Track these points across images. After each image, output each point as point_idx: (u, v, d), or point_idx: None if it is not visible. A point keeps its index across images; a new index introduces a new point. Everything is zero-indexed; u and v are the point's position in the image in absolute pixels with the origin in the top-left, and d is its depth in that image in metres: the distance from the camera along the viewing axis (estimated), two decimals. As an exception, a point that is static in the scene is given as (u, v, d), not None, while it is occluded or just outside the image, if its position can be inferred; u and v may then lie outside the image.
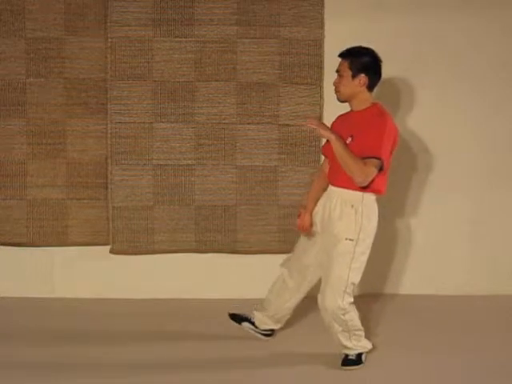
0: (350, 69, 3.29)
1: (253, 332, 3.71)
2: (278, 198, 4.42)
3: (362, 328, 3.39)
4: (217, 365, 3.42)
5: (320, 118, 4.32)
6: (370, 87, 3.34)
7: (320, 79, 4.41)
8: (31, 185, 4.44)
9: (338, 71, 3.36)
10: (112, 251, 4.48)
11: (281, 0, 4.36)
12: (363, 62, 3.30)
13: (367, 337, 3.50)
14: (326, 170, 3.51)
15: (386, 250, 4.64)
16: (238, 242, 4.46)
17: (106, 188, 4.45)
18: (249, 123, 4.41)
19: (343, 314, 3.27)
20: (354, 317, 3.32)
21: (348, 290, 3.26)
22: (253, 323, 3.71)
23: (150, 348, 3.62)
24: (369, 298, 4.50)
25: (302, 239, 3.57)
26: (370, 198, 3.29)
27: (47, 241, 4.48)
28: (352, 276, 3.26)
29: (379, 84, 4.47)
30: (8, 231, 4.45)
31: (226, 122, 4.42)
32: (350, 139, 3.26)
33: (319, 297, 3.34)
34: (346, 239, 3.24)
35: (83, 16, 4.38)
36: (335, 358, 3.40)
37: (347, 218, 3.26)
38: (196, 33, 4.38)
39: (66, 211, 4.46)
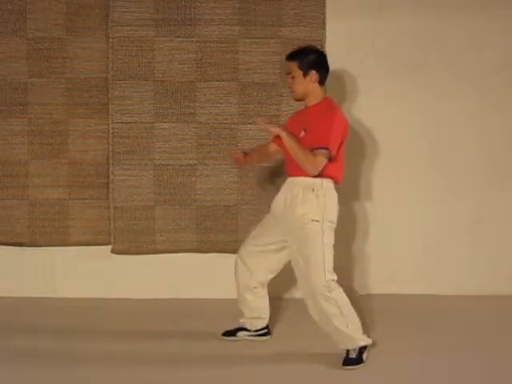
0: (300, 68, 3.44)
1: (250, 338, 3.74)
2: (279, 198, 4.41)
3: (358, 319, 3.41)
4: (217, 364, 3.42)
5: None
6: (321, 82, 3.48)
7: (321, 79, 4.42)
8: (32, 185, 4.44)
9: (289, 73, 3.50)
10: (113, 251, 4.48)
11: (282, 0, 4.37)
12: (311, 60, 3.45)
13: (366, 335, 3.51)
14: (268, 148, 3.71)
15: (386, 250, 4.66)
16: (239, 242, 4.41)
17: (108, 188, 4.45)
18: (250, 123, 4.41)
19: (329, 291, 3.32)
20: (342, 296, 3.36)
21: (327, 267, 3.34)
22: (246, 329, 3.75)
23: (150, 348, 3.62)
24: (368, 298, 4.51)
25: (260, 227, 3.66)
26: (328, 184, 3.43)
27: (48, 241, 4.48)
28: (326, 254, 3.36)
29: (383, 84, 4.52)
30: (9, 231, 4.46)
31: (228, 121, 4.43)
32: (303, 133, 3.43)
33: (301, 282, 3.43)
34: (313, 220, 3.36)
35: (84, 16, 4.39)
36: (335, 358, 3.40)
37: (310, 202, 3.38)
38: (197, 33, 4.39)
39: (67, 211, 4.46)
